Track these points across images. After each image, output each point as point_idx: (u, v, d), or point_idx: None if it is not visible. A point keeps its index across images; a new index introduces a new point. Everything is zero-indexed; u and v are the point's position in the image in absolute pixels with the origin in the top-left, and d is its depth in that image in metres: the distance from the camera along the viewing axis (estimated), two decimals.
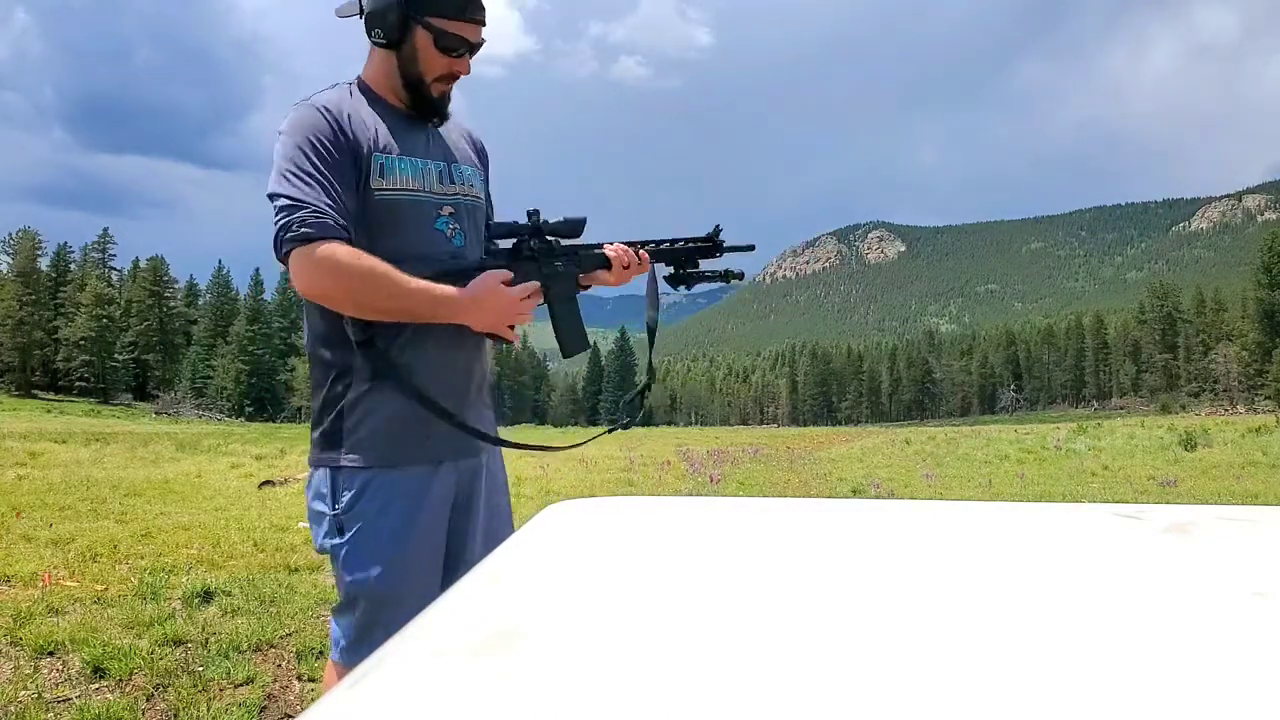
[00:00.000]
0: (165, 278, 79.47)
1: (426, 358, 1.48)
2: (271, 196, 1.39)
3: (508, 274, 1.47)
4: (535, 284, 1.51)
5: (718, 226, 1.67)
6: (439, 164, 1.54)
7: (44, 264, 72.71)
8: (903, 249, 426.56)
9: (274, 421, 58.84)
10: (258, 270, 79.87)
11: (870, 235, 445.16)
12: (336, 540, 1.45)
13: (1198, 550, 0.55)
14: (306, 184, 1.38)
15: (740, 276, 1.71)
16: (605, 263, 1.59)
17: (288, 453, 14.53)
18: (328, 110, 1.43)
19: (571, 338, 1.60)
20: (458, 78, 1.52)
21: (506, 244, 1.59)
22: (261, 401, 70.56)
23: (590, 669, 0.34)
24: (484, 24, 1.51)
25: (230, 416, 62.39)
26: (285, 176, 1.39)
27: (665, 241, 1.66)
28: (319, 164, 1.39)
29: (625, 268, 1.60)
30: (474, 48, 1.51)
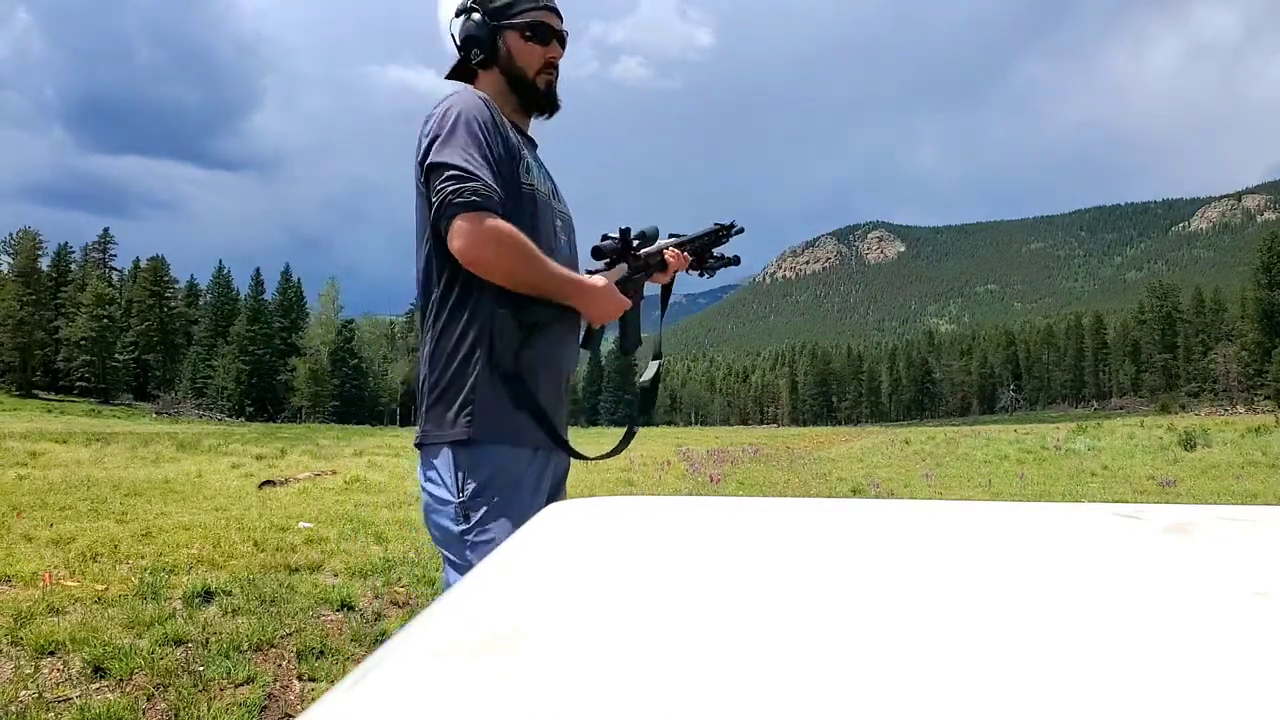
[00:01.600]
0: (166, 278, 79.53)
1: (547, 369, 1.57)
2: (439, 166, 1.45)
3: (615, 277, 1.65)
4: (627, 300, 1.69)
5: (733, 222, 1.96)
6: (551, 181, 1.68)
7: (44, 264, 72.76)
8: (903, 249, 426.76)
9: (274, 421, 58.88)
10: (258, 270, 79.93)
11: (870, 235, 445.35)
12: (464, 525, 1.46)
13: (1198, 550, 0.55)
14: (474, 158, 1.46)
15: (738, 260, 1.99)
16: (664, 264, 1.78)
17: (288, 453, 14.54)
18: (488, 101, 1.55)
19: (635, 337, 1.79)
20: (555, 67, 1.66)
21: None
22: (262, 401, 70.57)
23: (590, 669, 0.35)
24: (560, 15, 1.66)
25: (230, 416, 62.44)
26: (457, 149, 1.46)
27: (698, 238, 1.90)
28: (486, 147, 1.49)
29: (674, 271, 1.81)
30: (561, 36, 1.66)
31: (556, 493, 1.66)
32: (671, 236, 1.87)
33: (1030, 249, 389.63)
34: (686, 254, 1.83)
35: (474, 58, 1.64)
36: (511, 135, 1.56)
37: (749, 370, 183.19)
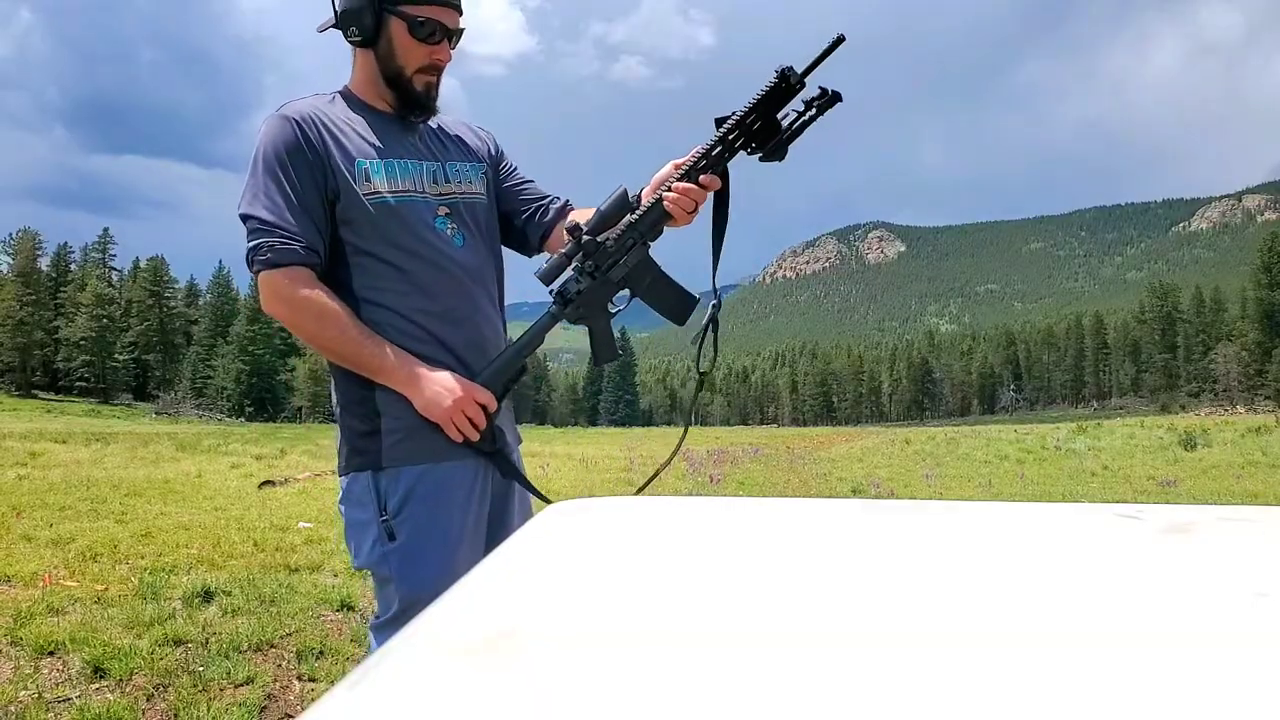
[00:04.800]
0: (165, 278, 79.43)
1: (436, 349, 1.46)
2: (242, 217, 1.40)
3: (488, 396, 1.44)
4: (492, 406, 1.45)
5: (789, 68, 1.34)
6: (431, 164, 1.51)
7: (44, 264, 72.77)
8: (903, 249, 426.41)
9: (274, 421, 58.85)
10: None
11: (870, 235, 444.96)
12: (388, 547, 1.40)
13: (1198, 550, 0.55)
14: (275, 204, 1.38)
15: (839, 96, 1.35)
16: (666, 215, 1.45)
17: (288, 453, 14.52)
18: (299, 121, 1.42)
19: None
20: (440, 69, 1.48)
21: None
22: (261, 401, 70.52)
23: (590, 669, 0.35)
24: (460, 10, 1.47)
25: (230, 416, 62.40)
26: (258, 196, 1.39)
27: (729, 130, 1.40)
28: (287, 181, 1.39)
29: (690, 211, 1.44)
30: (453, 34, 1.47)
31: (506, 488, 1.58)
32: (719, 141, 1.41)
33: (1030, 249, 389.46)
34: (711, 177, 1.42)
35: (350, 36, 1.46)
36: (345, 141, 1.43)
37: (749, 370, 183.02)
